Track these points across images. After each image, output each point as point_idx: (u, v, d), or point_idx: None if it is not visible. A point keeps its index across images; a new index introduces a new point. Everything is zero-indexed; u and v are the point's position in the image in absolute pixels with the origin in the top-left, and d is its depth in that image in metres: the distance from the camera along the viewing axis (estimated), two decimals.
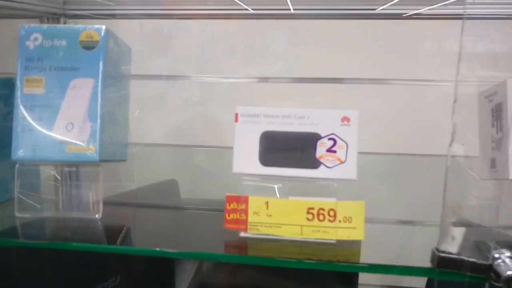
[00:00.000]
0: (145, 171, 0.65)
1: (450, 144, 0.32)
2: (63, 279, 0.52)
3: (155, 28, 0.81)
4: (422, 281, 0.60)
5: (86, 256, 0.49)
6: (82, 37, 0.45)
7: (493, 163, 0.44)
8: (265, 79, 0.76)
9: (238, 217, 0.41)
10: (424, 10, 0.65)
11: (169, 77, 0.79)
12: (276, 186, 0.42)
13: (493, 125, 0.44)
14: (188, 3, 0.72)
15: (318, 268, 0.36)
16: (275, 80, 0.76)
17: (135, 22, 0.78)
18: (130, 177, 0.61)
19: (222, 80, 0.78)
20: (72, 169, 0.47)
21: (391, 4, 0.65)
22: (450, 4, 0.63)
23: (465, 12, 0.33)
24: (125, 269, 0.59)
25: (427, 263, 0.35)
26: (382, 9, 0.66)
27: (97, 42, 0.45)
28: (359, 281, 0.59)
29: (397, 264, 0.36)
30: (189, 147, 0.81)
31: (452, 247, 0.33)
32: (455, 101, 0.32)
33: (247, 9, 0.69)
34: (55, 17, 0.75)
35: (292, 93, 0.77)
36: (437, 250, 0.34)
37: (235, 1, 0.68)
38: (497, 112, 0.43)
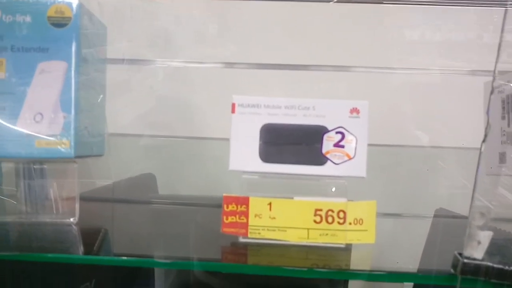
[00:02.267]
0: (120, 165, 0.60)
1: (484, 140, 0.29)
2: (34, 285, 0.46)
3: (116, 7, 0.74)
4: None
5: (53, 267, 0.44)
6: (51, 12, 0.39)
7: (502, 158, 0.42)
8: (230, 65, 0.72)
9: (238, 220, 0.37)
10: None
11: (132, 62, 0.73)
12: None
13: (503, 118, 0.41)
14: None
15: (329, 277, 0.32)
16: (241, 66, 0.72)
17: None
18: (105, 172, 0.55)
19: (187, 65, 0.73)
20: (41, 166, 0.41)
21: None
22: None
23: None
24: (100, 272, 0.53)
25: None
26: None
27: (69, 18, 0.39)
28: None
29: (415, 270, 0.33)
30: (164, 137, 0.76)
31: (477, 253, 0.31)
32: (491, 93, 0.29)
33: None
34: None
35: (259, 80, 0.73)
36: (460, 255, 0.31)
37: None
38: (509, 104, 0.41)
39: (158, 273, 0.61)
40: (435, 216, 0.57)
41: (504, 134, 0.41)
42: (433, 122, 0.71)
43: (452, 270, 0.31)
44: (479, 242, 0.31)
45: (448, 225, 0.54)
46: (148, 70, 0.74)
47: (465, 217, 0.31)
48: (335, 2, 0.67)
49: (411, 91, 0.71)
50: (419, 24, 0.70)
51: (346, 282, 0.56)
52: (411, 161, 0.70)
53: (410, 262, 0.36)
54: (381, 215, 0.55)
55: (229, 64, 0.73)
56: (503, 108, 0.42)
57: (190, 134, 0.75)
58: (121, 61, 0.71)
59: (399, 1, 0.67)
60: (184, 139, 0.75)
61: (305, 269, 0.33)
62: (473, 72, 0.69)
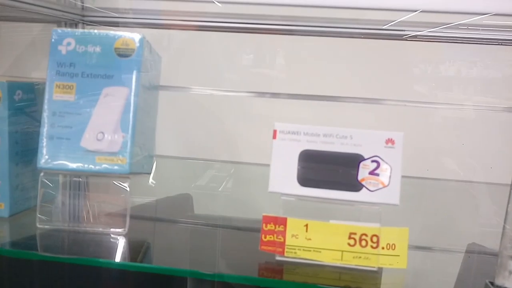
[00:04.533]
0: (160, 185, 0.63)
1: None
2: None
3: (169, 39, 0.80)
4: None
5: (86, 270, 0.47)
6: (118, 44, 0.44)
7: None
8: (262, 94, 0.76)
9: (275, 239, 0.39)
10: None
11: (175, 88, 0.78)
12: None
13: None
14: (192, 15, 0.72)
15: None
16: (272, 95, 0.76)
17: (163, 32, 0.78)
18: (148, 190, 0.59)
19: (222, 93, 0.77)
20: (101, 181, 0.45)
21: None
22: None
23: None
24: (136, 284, 0.56)
25: None
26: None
27: (133, 50, 0.44)
28: None
29: None
30: (203, 160, 0.80)
31: (508, 282, 0.32)
32: None
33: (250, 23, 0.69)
34: (73, 23, 0.73)
35: (290, 109, 0.76)
36: (492, 284, 0.32)
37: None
38: None
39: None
40: (467, 251, 0.57)
41: None
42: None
43: None
44: (510, 272, 0.32)
45: (480, 260, 0.54)
46: (189, 97, 0.79)
47: (497, 253, 0.32)
48: (363, 38, 0.69)
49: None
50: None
51: None
52: (443, 195, 0.70)
53: None
54: (413, 247, 0.56)
55: (263, 94, 0.77)
56: None
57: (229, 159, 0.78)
58: (166, 87, 0.76)
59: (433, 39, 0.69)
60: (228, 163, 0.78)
61: None
62: (509, 109, 0.70)
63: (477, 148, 0.71)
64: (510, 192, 0.30)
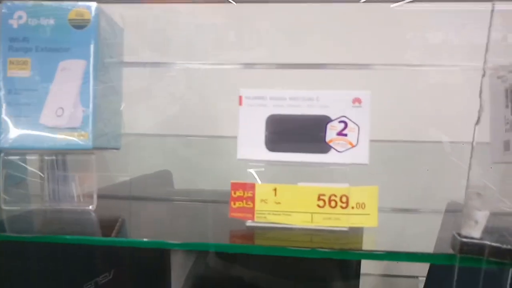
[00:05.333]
0: (138, 162, 0.62)
1: (477, 123, 0.30)
2: (53, 274, 0.49)
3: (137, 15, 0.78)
4: (423, 269, 0.59)
5: (77, 250, 0.46)
6: (72, 15, 0.42)
7: (507, 146, 0.42)
8: (250, 65, 0.74)
9: (245, 205, 0.39)
10: None
11: (152, 64, 0.76)
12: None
13: (507, 106, 0.42)
14: None
15: (331, 257, 0.34)
16: (260, 66, 0.74)
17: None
18: (123, 168, 0.58)
19: (206, 67, 0.76)
20: (64, 158, 0.44)
21: None
22: None
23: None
24: (118, 263, 0.56)
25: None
26: None
27: (88, 20, 0.42)
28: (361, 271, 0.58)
29: (416, 251, 0.34)
30: (181, 136, 0.78)
31: (475, 232, 0.32)
32: (483, 75, 0.30)
33: None
34: None
35: (278, 79, 0.75)
36: (459, 235, 0.32)
37: None
38: None
39: (174, 265, 0.63)
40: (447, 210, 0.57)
41: (507, 123, 0.42)
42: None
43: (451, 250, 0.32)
44: (476, 222, 0.32)
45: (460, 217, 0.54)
46: (167, 72, 0.77)
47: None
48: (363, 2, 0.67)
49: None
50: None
51: (358, 275, 0.57)
52: (424, 156, 0.70)
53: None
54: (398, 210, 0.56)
55: (249, 65, 0.75)
56: (507, 97, 0.42)
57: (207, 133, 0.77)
58: (141, 64, 0.74)
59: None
60: (201, 138, 0.77)
61: (309, 249, 0.34)
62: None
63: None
64: (472, 145, 0.30)
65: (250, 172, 0.40)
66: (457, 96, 0.69)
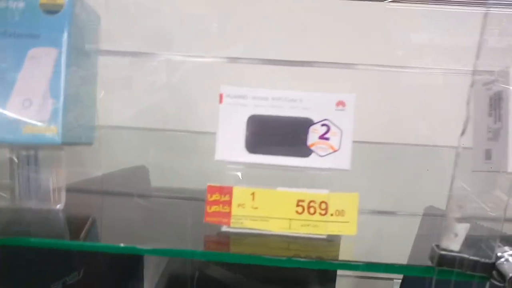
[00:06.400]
0: (112, 156, 0.60)
1: (462, 134, 0.29)
2: (19, 274, 0.46)
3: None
4: None
5: (45, 249, 0.44)
6: None
7: (488, 155, 0.42)
8: (234, 60, 0.72)
9: (221, 209, 0.37)
10: None
11: (134, 54, 0.73)
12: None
13: (490, 114, 0.42)
14: None
15: (307, 267, 0.33)
16: (245, 61, 0.72)
17: None
18: (95, 163, 0.55)
19: (189, 59, 0.73)
20: (30, 153, 0.41)
21: None
22: None
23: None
24: (89, 262, 0.54)
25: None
26: None
27: (61, 5, 0.39)
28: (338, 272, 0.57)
29: (394, 262, 0.33)
30: (159, 131, 0.76)
31: (454, 245, 0.31)
32: (471, 86, 0.30)
33: None
34: None
35: (263, 75, 0.73)
36: (438, 247, 0.31)
37: None
38: (496, 101, 0.41)
39: (148, 264, 0.61)
40: (425, 214, 0.57)
41: (490, 131, 0.41)
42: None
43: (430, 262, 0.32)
44: (455, 234, 0.31)
45: (438, 223, 0.54)
46: (148, 63, 0.74)
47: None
48: None
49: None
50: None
51: (334, 280, 0.56)
52: (407, 159, 0.70)
53: (399, 257, 0.36)
54: (376, 212, 0.55)
55: (233, 59, 0.73)
56: (490, 105, 0.42)
57: (187, 128, 0.75)
58: (120, 53, 0.71)
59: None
60: (180, 132, 0.75)
61: (285, 258, 0.33)
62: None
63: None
64: (456, 155, 0.29)
65: (230, 172, 0.39)
66: (439, 99, 0.69)
